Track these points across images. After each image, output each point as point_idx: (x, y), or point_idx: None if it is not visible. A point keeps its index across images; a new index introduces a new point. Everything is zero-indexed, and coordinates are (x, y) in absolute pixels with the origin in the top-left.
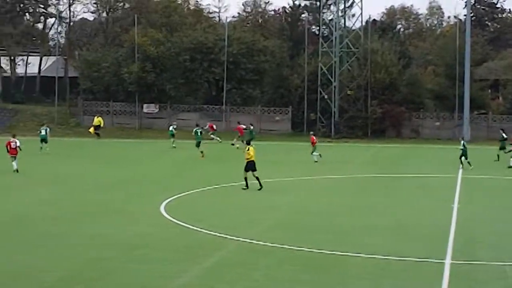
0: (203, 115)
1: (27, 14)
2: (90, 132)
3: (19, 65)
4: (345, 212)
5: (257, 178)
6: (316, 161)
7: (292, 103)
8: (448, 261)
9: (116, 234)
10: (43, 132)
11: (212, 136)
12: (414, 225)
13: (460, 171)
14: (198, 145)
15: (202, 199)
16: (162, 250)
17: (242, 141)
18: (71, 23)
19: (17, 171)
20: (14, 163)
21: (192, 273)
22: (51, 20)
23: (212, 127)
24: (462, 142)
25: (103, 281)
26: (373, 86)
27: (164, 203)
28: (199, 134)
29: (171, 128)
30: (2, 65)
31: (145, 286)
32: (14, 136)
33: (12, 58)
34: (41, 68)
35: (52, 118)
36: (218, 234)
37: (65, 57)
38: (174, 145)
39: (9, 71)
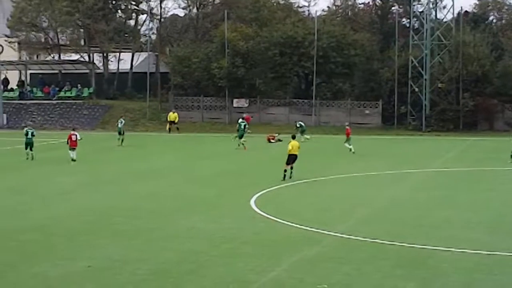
0: (292, 109)
1: (119, 11)
2: (168, 130)
3: (111, 61)
4: (437, 206)
5: (291, 168)
6: (352, 152)
7: (382, 96)
8: None
9: (208, 227)
10: (119, 125)
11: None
12: (510, 219)
13: None
14: (240, 137)
15: (291, 193)
16: (252, 244)
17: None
18: (162, 20)
19: (74, 160)
20: (72, 153)
21: (282, 267)
22: (142, 17)
23: (248, 119)
24: None
25: (195, 274)
26: (465, 78)
27: (254, 197)
28: (242, 126)
29: (119, 124)
30: (95, 61)
31: (237, 279)
32: (74, 130)
33: (105, 54)
34: (133, 64)
35: (144, 113)
36: (308, 228)
37: (156, 53)
38: (121, 144)
39: (102, 68)
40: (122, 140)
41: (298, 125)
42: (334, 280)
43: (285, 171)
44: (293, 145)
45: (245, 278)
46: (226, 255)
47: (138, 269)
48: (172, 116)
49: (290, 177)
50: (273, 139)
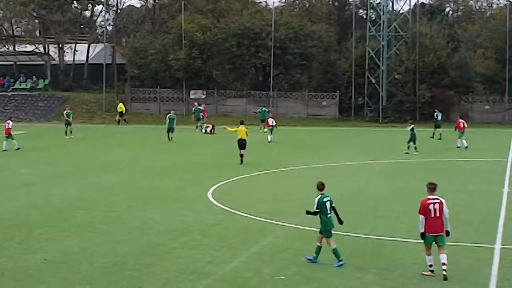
0: (250, 100)
1: (74, 1)
2: (118, 121)
3: (67, 53)
4: (395, 197)
5: (242, 156)
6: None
7: (339, 88)
8: (498, 246)
9: (166, 220)
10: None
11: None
12: (464, 210)
13: (510, 155)
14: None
15: (249, 185)
16: (210, 236)
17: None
18: (118, 11)
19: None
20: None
21: (240, 258)
22: (98, 8)
23: (203, 111)
24: (411, 126)
25: (153, 267)
26: (422, 70)
27: (212, 189)
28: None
29: (65, 115)
30: (50, 53)
31: (195, 271)
32: (10, 119)
33: (60, 46)
34: (89, 55)
35: (100, 105)
36: (266, 220)
37: (113, 45)
38: (71, 135)
39: (57, 59)
40: (71, 132)
41: (260, 111)
42: (291, 271)
43: (240, 155)
44: (239, 131)
45: (204, 270)
46: (184, 247)
47: (95, 262)
48: (119, 106)
49: (242, 162)
50: (207, 127)
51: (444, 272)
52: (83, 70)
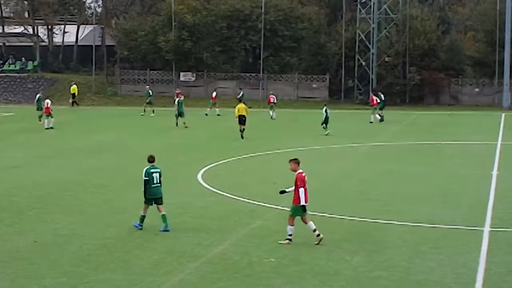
0: (240, 83)
1: None
2: (72, 104)
3: (56, 34)
4: (385, 180)
5: (243, 130)
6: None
7: (329, 70)
8: (487, 228)
9: None
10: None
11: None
12: (453, 192)
13: (500, 138)
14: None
15: (239, 167)
16: (199, 218)
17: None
18: None
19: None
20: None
21: (229, 241)
22: None
23: (179, 94)
24: (324, 108)
25: (142, 249)
26: (412, 52)
27: (201, 172)
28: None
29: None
30: (39, 34)
31: (185, 254)
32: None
33: (50, 27)
34: (78, 37)
35: (89, 87)
36: (255, 202)
37: (102, 26)
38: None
39: (46, 41)
40: (40, 116)
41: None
42: (281, 254)
43: (240, 130)
44: (239, 108)
45: (193, 252)
46: (173, 229)
47: (85, 244)
48: (72, 88)
49: (242, 137)
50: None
51: (319, 234)
52: (72, 51)
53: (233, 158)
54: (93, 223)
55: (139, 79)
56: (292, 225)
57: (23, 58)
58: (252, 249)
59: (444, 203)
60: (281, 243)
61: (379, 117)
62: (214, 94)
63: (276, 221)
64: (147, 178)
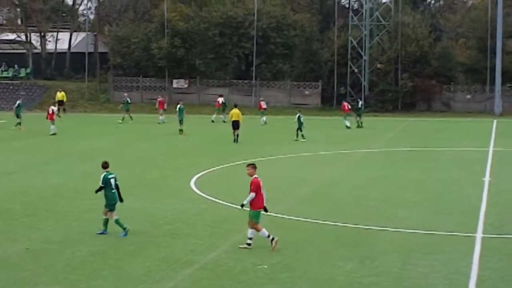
0: (232, 90)
1: None
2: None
3: (49, 41)
4: (376, 186)
5: (237, 134)
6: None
7: (322, 77)
8: (479, 234)
9: (149, 209)
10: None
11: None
12: (445, 198)
13: (491, 144)
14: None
15: (231, 174)
16: (192, 225)
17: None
18: None
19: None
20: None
21: (222, 248)
22: None
23: (161, 102)
24: (298, 115)
25: (136, 256)
26: (404, 59)
27: (194, 178)
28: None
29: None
30: (32, 41)
31: (178, 260)
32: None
33: (42, 34)
34: (71, 44)
35: (82, 94)
36: (248, 209)
37: (95, 33)
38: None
39: (39, 48)
40: (19, 124)
41: (222, 102)
42: (274, 261)
43: (235, 135)
44: (233, 113)
45: (186, 258)
46: (166, 235)
47: (78, 250)
48: (59, 95)
49: (237, 141)
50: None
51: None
52: (65, 58)
53: (226, 165)
54: (86, 229)
55: (132, 86)
56: (260, 230)
57: (15, 65)
58: (245, 256)
59: (437, 209)
60: (241, 247)
61: (348, 123)
62: (220, 100)
63: (269, 227)
64: (103, 185)
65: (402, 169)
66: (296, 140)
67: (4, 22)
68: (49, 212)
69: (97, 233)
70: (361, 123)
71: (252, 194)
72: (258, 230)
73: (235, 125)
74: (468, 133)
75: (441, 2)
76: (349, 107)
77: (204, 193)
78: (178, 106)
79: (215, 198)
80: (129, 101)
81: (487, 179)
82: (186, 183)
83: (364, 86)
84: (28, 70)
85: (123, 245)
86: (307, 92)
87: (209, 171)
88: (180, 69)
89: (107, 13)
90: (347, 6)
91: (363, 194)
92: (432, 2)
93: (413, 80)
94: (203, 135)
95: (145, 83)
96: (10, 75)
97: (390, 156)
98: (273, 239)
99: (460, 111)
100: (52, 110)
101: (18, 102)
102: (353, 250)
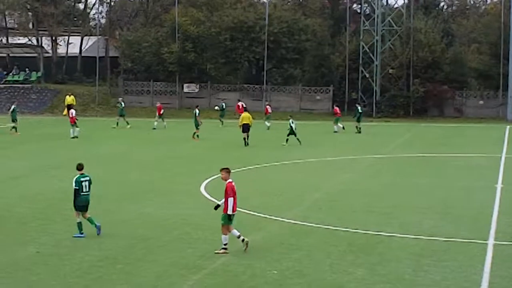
0: (243, 94)
1: None
2: (65, 115)
3: (60, 45)
4: (387, 192)
5: (247, 137)
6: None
7: (333, 82)
8: (491, 242)
9: (158, 213)
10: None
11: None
12: (457, 205)
13: (504, 151)
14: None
15: (241, 179)
16: (202, 230)
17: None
18: (112, 3)
19: None
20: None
21: (232, 253)
22: (92, 0)
23: (159, 108)
24: (290, 120)
25: (145, 260)
26: (416, 64)
27: (204, 183)
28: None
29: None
30: (43, 45)
31: (187, 265)
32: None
33: (54, 38)
34: (82, 48)
35: (93, 98)
36: (258, 214)
37: (106, 37)
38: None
39: (50, 51)
40: (15, 128)
41: (220, 107)
42: (284, 266)
43: (244, 138)
44: (243, 117)
45: (195, 264)
46: (176, 240)
47: (87, 255)
48: (69, 99)
49: (247, 144)
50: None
51: (246, 239)
52: (76, 62)
53: (237, 170)
54: (94, 234)
55: (142, 90)
56: (226, 235)
57: (27, 69)
58: (255, 261)
59: (448, 215)
60: (217, 253)
61: (341, 126)
62: (240, 104)
63: (280, 232)
64: (77, 188)
65: (413, 175)
66: (284, 145)
67: (16, 26)
68: (58, 216)
69: (74, 236)
70: (360, 128)
71: (231, 199)
72: (229, 231)
73: (246, 128)
74: (480, 139)
75: (454, 8)
76: (340, 111)
77: (214, 198)
78: (194, 110)
79: None
80: (123, 105)
81: (499, 185)
82: (196, 188)
83: (375, 91)
84: (39, 74)
85: (133, 250)
86: (318, 97)
87: (220, 176)
88: (190, 74)
89: (118, 17)
90: (358, 11)
91: (374, 200)
92: (445, 7)
93: (425, 86)
94: (214, 140)
95: (155, 87)
96: (21, 78)
97: (401, 162)
98: (243, 239)
99: (472, 117)
100: (73, 113)
101: (13, 106)
102: (363, 256)
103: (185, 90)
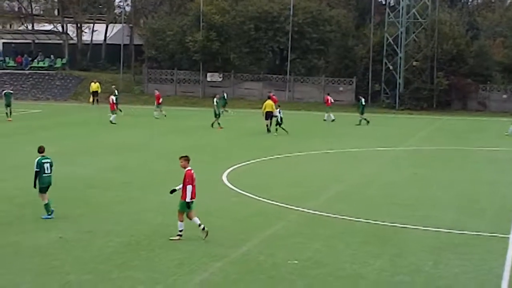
0: (266, 84)
1: None
2: (92, 102)
3: (85, 32)
4: (409, 185)
5: (270, 124)
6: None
7: (356, 73)
8: None
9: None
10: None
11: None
12: (478, 198)
13: None
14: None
15: (264, 169)
16: (223, 219)
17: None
18: None
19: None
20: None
21: (252, 242)
22: None
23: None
24: (278, 109)
25: (166, 248)
26: (440, 57)
27: (226, 172)
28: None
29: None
30: (68, 32)
31: (208, 254)
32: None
33: (79, 25)
34: (107, 35)
35: (117, 85)
36: (280, 204)
37: (131, 25)
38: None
39: (75, 39)
40: (10, 113)
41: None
42: (304, 256)
43: (267, 125)
44: (266, 105)
45: (216, 252)
46: (197, 229)
47: (109, 241)
48: (94, 86)
49: (269, 131)
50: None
51: (204, 227)
52: (100, 50)
53: (259, 159)
54: (117, 220)
55: (166, 78)
56: (182, 221)
57: (51, 56)
58: (277, 250)
59: (469, 209)
60: (172, 239)
61: (332, 117)
62: (271, 93)
63: (301, 222)
64: (38, 170)
65: (435, 168)
66: (275, 135)
67: (41, 12)
68: (80, 202)
69: (42, 217)
70: (364, 119)
71: (189, 187)
72: (190, 218)
73: (269, 116)
74: (503, 133)
75: (479, 1)
76: (332, 101)
77: (236, 187)
78: (215, 99)
79: (247, 192)
80: (116, 93)
81: None
82: (218, 177)
83: (399, 83)
84: (64, 61)
85: (155, 237)
86: (341, 88)
87: (242, 165)
88: (214, 63)
89: (143, 6)
90: (383, 3)
91: (396, 193)
92: (470, 0)
93: (449, 79)
94: (237, 129)
95: (179, 76)
96: (46, 65)
97: (424, 154)
98: (204, 228)
99: (496, 111)
100: (112, 100)
101: (5, 91)
102: (383, 248)
103: (209, 79)
